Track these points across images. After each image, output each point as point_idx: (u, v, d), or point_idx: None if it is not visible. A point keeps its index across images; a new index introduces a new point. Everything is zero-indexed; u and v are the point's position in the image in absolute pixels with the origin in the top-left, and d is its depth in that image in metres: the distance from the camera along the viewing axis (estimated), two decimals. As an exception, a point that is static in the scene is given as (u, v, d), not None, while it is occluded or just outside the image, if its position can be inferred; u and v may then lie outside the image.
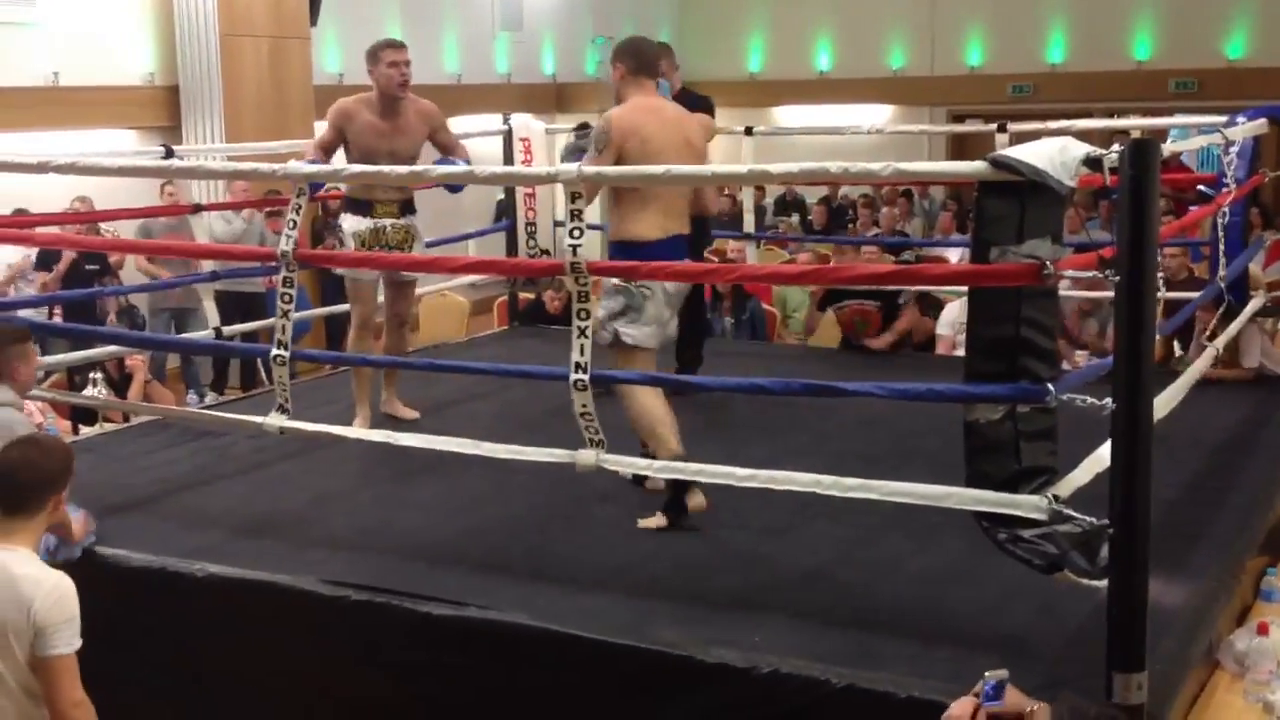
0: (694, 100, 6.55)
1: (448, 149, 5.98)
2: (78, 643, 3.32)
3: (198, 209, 7.32)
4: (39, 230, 6.62)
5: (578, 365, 3.96)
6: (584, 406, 3.99)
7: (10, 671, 3.29)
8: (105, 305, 9.38)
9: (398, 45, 5.86)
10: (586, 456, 4.04)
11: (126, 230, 9.39)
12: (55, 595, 3.30)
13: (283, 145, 7.44)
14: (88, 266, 9.32)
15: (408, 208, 5.91)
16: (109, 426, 6.70)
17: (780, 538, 4.42)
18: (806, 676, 3.37)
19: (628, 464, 4.07)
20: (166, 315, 9.69)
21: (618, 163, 4.59)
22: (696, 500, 4.51)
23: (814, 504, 3.94)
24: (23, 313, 6.22)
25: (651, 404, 4.58)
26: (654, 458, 4.39)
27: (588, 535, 4.55)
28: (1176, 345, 6.77)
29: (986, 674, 2.98)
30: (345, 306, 9.07)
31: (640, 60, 4.89)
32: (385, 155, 5.61)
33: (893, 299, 7.66)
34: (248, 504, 4.97)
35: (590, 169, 4.17)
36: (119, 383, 7.52)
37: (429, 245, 7.48)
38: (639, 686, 3.60)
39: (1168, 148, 3.80)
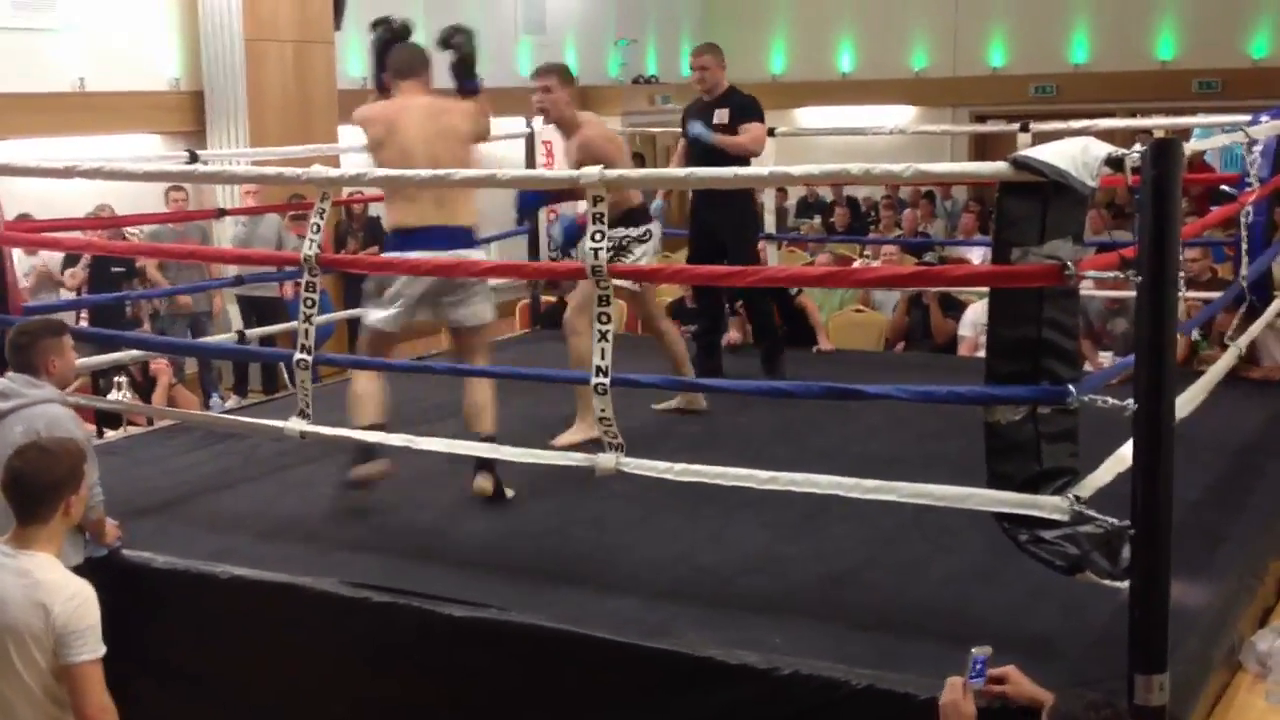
0: (737, 101, 6.67)
1: None
2: (101, 649, 3.32)
3: (221, 214, 7.37)
4: (62, 235, 6.66)
5: (598, 369, 3.96)
6: (603, 410, 3.98)
7: (33, 678, 3.30)
8: (139, 311, 9.45)
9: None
10: (606, 461, 4.02)
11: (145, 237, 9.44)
12: (76, 602, 3.29)
13: (306, 149, 7.47)
14: (113, 269, 9.39)
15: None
16: (133, 430, 6.74)
17: (801, 540, 4.42)
18: (827, 677, 3.37)
19: (648, 468, 4.06)
20: (184, 321, 9.75)
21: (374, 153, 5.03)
22: (368, 470, 4.88)
23: (835, 506, 3.93)
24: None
25: (368, 387, 4.92)
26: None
27: (608, 538, 4.55)
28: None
29: (973, 650, 3.01)
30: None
31: (397, 68, 5.16)
32: None
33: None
34: (270, 507, 5.00)
35: (613, 173, 4.17)
36: (143, 386, 7.57)
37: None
38: (659, 688, 3.60)
39: (1190, 147, 3.79)
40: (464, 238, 4.99)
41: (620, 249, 5.60)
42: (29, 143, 9.87)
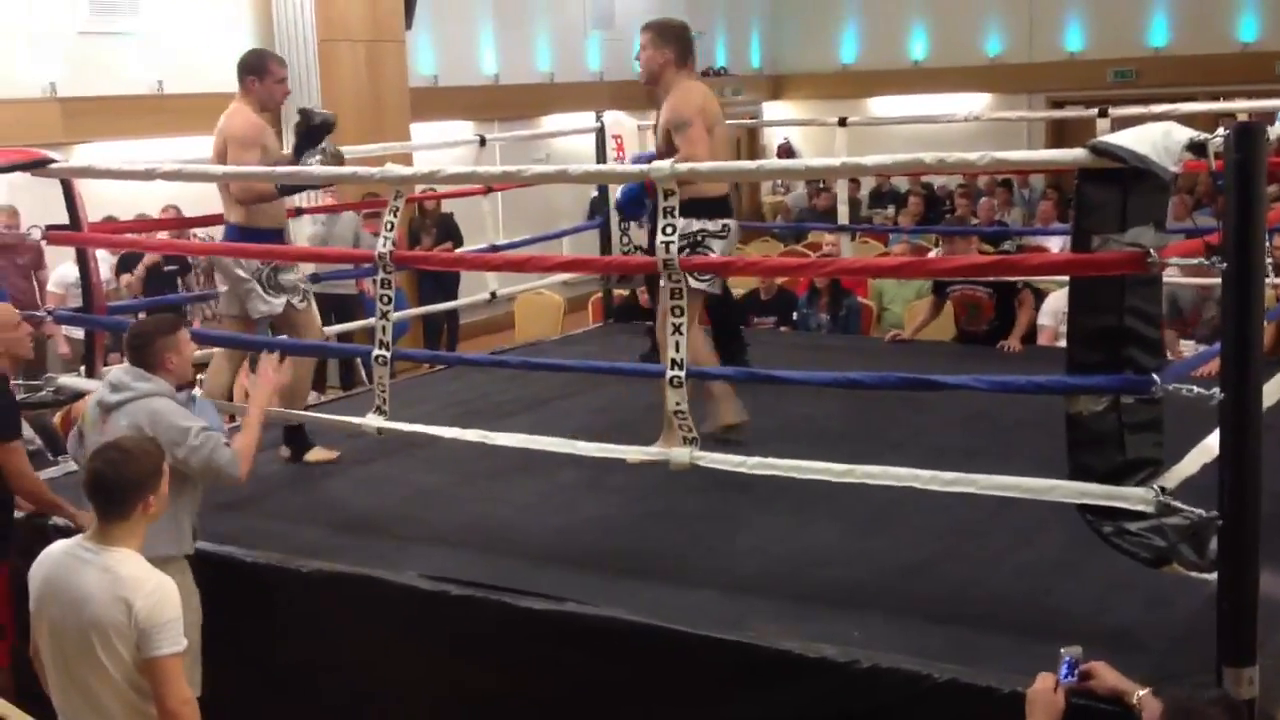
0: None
1: None
2: (183, 643, 3.36)
3: (299, 212, 7.44)
4: (129, 235, 6.75)
5: (673, 362, 3.95)
6: (678, 404, 3.97)
7: (117, 670, 3.35)
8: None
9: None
10: (680, 455, 4.01)
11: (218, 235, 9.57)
12: (156, 596, 3.33)
13: (380, 148, 7.53)
14: (167, 268, 9.56)
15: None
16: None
17: (879, 533, 4.38)
18: (907, 671, 3.34)
19: (721, 460, 4.04)
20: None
21: None
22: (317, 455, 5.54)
23: (912, 499, 3.90)
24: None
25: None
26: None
27: (684, 531, 4.55)
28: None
29: (1062, 650, 3.00)
30: (443, 305, 9.18)
31: None
32: None
33: (1008, 286, 7.51)
34: (348, 502, 5.05)
35: (684, 166, 4.15)
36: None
37: (523, 244, 7.56)
38: (738, 681, 3.59)
39: (1275, 130, 3.70)
40: (230, 232, 5.68)
41: (695, 244, 5.13)
42: (109, 145, 10.05)
